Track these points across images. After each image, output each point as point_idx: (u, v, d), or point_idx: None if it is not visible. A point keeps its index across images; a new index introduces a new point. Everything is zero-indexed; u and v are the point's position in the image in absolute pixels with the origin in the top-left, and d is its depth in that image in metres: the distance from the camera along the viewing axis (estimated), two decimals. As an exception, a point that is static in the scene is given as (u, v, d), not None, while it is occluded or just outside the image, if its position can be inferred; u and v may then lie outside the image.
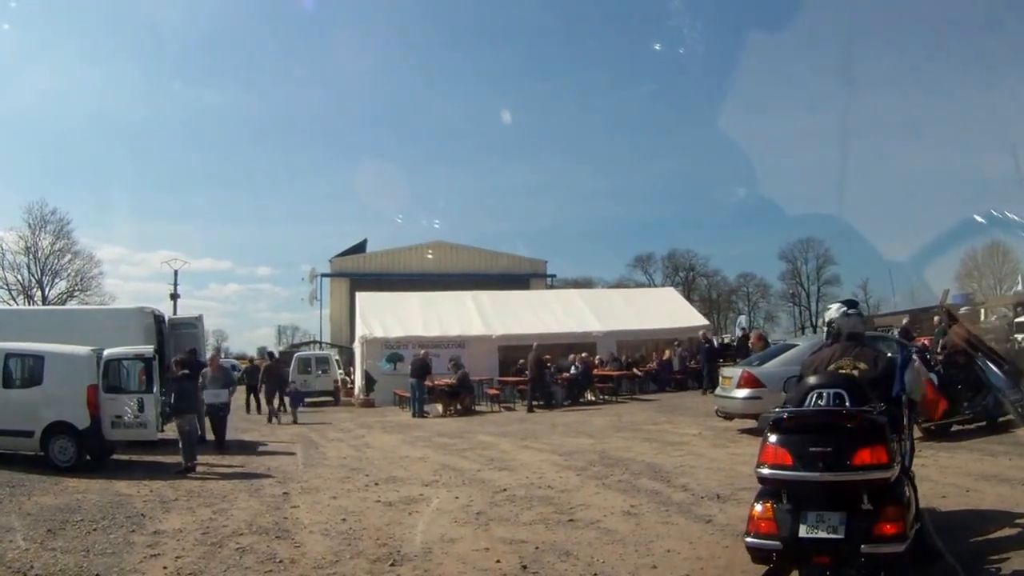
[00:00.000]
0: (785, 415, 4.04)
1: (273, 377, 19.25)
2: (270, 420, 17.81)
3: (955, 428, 9.99)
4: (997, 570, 4.58)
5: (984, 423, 10.11)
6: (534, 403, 18.59)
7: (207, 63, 79.64)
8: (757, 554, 3.91)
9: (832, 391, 3.99)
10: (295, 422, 17.71)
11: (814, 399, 4.02)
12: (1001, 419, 10.14)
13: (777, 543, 3.78)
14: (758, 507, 3.91)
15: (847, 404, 3.91)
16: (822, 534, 3.70)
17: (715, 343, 22.50)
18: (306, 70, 79.09)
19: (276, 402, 18.58)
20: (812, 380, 4.21)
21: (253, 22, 76.04)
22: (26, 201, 49.68)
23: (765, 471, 3.92)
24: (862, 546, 3.60)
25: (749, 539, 3.90)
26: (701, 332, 22.50)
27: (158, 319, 16.11)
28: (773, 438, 3.96)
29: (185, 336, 16.24)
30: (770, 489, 3.93)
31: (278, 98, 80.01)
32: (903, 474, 4.08)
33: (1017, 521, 5.61)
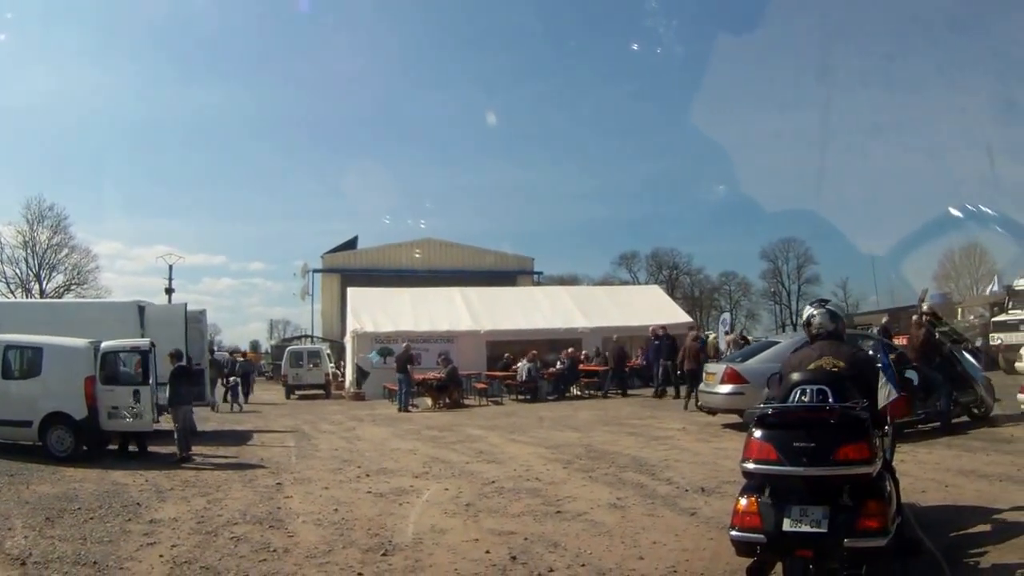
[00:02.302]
0: (770, 411, 4.15)
1: (216, 370, 20.12)
2: (214, 409, 19.02)
3: (908, 430, 9.60)
4: (976, 564, 4.71)
5: (938, 424, 10.04)
6: (613, 391, 19.78)
7: (205, 63, 79.48)
8: (741, 547, 3.96)
9: (816, 387, 4.08)
10: (240, 411, 19.53)
11: (798, 395, 4.12)
12: (954, 420, 10.14)
13: (761, 536, 3.83)
14: (743, 501, 3.96)
15: (830, 400, 4.00)
16: (805, 528, 3.75)
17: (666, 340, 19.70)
18: (299, 70, 79.15)
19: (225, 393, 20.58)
20: (796, 377, 4.29)
21: (248, 23, 75.91)
22: (25, 196, 49.34)
23: (750, 465, 4.00)
24: (844, 540, 3.66)
25: (734, 532, 3.96)
26: (651, 328, 20.35)
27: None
28: (758, 433, 4.04)
29: (190, 330, 16.27)
30: (755, 483, 4.00)
31: (273, 98, 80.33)
32: (885, 469, 4.16)
33: (995, 516, 5.75)
